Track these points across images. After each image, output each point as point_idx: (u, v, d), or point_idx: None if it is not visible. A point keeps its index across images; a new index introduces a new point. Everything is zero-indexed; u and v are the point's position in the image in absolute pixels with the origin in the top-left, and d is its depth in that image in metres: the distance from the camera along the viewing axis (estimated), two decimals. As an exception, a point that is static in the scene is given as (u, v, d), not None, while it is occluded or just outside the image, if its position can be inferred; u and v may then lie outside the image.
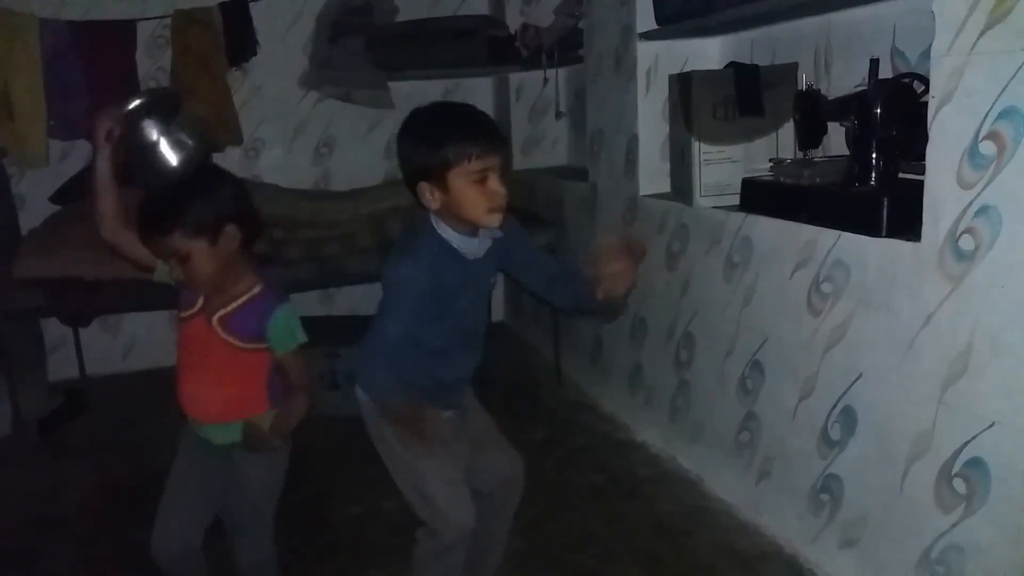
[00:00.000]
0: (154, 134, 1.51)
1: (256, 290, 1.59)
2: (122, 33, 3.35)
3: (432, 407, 1.53)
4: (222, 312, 1.57)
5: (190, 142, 1.53)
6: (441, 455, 1.55)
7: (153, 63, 3.42)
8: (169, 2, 3.38)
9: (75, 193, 3.12)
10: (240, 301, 1.57)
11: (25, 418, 2.90)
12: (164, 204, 1.49)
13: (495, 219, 1.46)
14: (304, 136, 3.71)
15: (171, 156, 1.52)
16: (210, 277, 1.53)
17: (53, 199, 3.20)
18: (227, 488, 1.66)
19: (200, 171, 1.56)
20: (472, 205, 1.43)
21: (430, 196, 1.45)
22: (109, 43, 3.32)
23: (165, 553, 1.59)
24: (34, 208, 3.20)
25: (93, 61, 3.28)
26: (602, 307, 1.56)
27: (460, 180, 1.42)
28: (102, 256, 2.64)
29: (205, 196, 1.51)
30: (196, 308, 1.57)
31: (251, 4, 3.44)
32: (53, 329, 3.32)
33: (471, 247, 1.51)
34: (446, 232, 1.49)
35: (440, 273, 1.48)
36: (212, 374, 1.60)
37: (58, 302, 2.79)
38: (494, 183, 1.43)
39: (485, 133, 1.45)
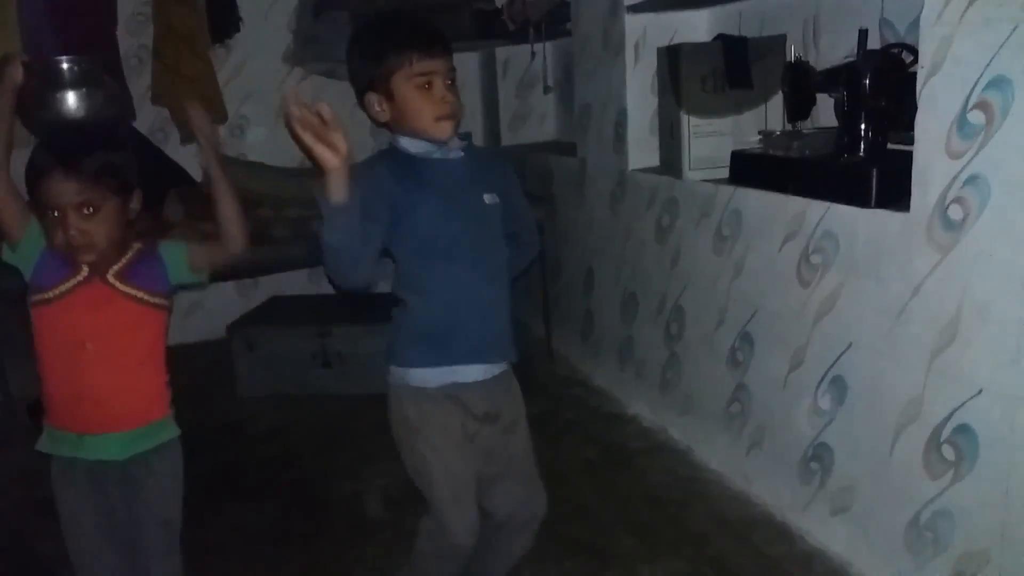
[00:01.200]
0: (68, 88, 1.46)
1: (138, 245, 1.44)
2: (103, 7, 3.29)
3: (458, 359, 1.44)
4: (116, 267, 1.39)
5: (99, 98, 1.49)
6: (452, 457, 1.46)
7: (136, 40, 3.37)
8: (150, -23, 3.32)
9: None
10: (129, 255, 1.41)
11: (15, 400, 2.88)
12: (85, 146, 1.35)
13: (444, 128, 1.39)
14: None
15: (79, 105, 1.46)
16: (110, 238, 1.35)
17: (26, 172, 3.15)
18: (127, 516, 1.44)
19: (124, 129, 1.47)
20: (417, 112, 1.37)
21: (378, 107, 1.40)
22: (89, 18, 3.25)
23: None
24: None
25: (73, 36, 3.20)
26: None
27: (403, 86, 1.37)
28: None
29: (122, 150, 1.41)
30: (80, 276, 1.36)
31: (233, -21, 3.39)
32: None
33: (434, 150, 1.42)
34: (402, 141, 1.43)
35: (407, 183, 1.38)
36: (119, 352, 1.39)
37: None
38: (439, 88, 1.37)
39: (426, 35, 1.38)
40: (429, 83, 1.37)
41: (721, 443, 2.24)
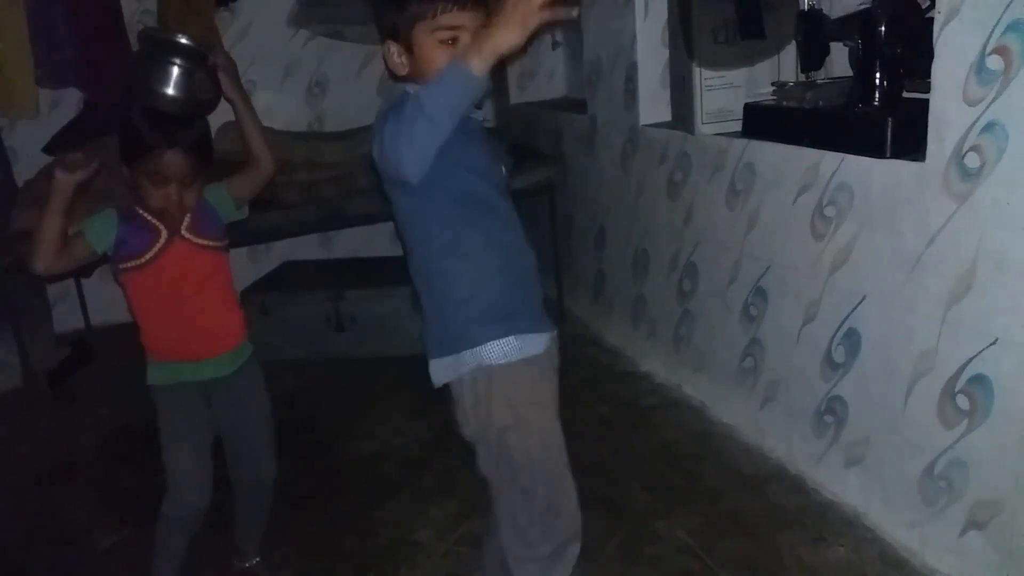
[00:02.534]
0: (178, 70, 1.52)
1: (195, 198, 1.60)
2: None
3: (535, 328, 1.31)
4: (186, 224, 1.57)
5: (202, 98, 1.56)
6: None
7: (139, 5, 3.34)
8: (152, -59, 3.28)
9: (69, 142, 3.09)
10: (191, 209, 1.57)
11: (35, 370, 2.93)
12: (189, 127, 1.52)
13: None
14: (295, 76, 3.64)
15: (183, 102, 1.53)
16: (193, 204, 1.56)
17: (46, 149, 3.16)
18: (233, 418, 1.67)
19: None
20: (438, 71, 1.16)
21: (397, 59, 1.26)
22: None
23: (197, 511, 1.63)
24: (27, 159, 3.16)
25: (78, 7, 3.20)
26: None
27: (425, 39, 1.22)
28: (97, 205, 2.64)
29: (208, 130, 1.60)
30: (163, 239, 1.54)
31: (235, -59, 3.34)
32: (56, 281, 3.32)
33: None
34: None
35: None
36: (215, 292, 1.61)
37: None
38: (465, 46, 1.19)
39: None
40: (454, 39, 1.21)
41: (735, 398, 2.25)
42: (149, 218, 1.55)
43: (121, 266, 1.55)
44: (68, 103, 3.32)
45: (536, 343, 1.31)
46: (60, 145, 3.13)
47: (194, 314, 1.58)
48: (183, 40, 1.54)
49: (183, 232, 1.56)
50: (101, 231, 1.53)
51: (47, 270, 1.50)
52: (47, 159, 3.10)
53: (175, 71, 1.51)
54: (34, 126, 3.21)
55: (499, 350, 1.27)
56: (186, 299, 1.57)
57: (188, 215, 1.56)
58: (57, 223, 1.46)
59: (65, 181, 1.45)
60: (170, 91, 1.51)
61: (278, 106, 3.57)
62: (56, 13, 3.17)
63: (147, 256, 1.54)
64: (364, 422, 2.55)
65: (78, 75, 3.23)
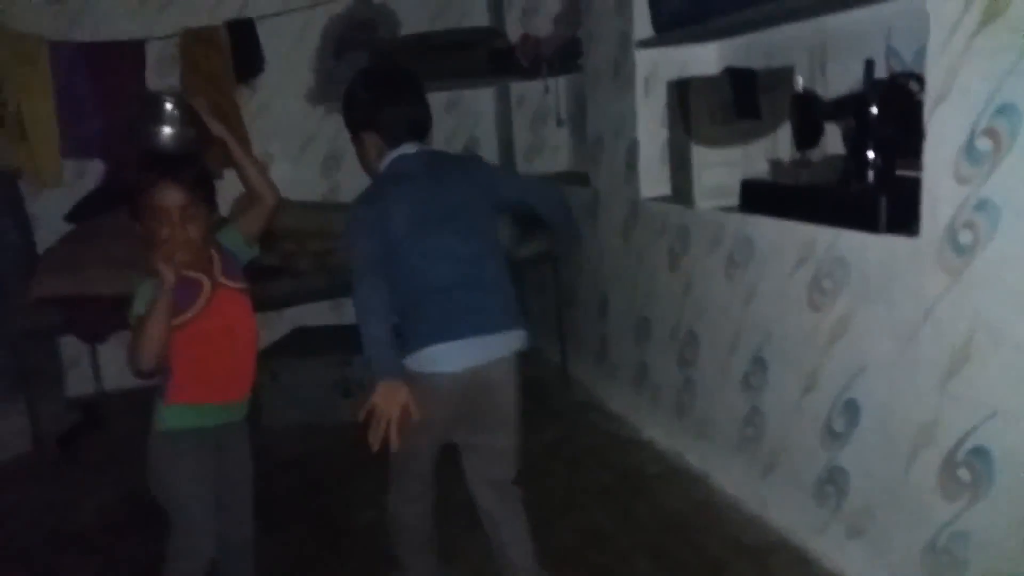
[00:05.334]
0: (167, 121, 1.63)
1: (214, 248, 1.67)
2: (131, 53, 3.42)
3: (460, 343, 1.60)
4: (218, 270, 1.63)
5: (191, 135, 1.66)
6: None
7: (163, 81, 3.47)
8: (177, 21, 3.45)
9: (90, 211, 3.19)
10: (217, 258, 1.65)
11: (44, 434, 2.95)
12: (183, 161, 1.59)
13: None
14: (312, 150, 3.77)
15: (174, 135, 1.64)
16: (201, 243, 1.59)
17: (68, 218, 3.26)
18: (231, 469, 1.71)
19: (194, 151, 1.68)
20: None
21: (374, 151, 1.70)
22: (119, 63, 3.39)
23: (207, 561, 1.65)
24: (49, 227, 3.25)
25: (104, 81, 3.35)
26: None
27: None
28: (118, 273, 2.72)
29: (206, 168, 1.65)
30: (207, 288, 1.61)
31: (257, 22, 3.51)
32: (69, 346, 3.38)
33: (409, 154, 1.68)
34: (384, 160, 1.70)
35: (390, 193, 1.63)
36: (248, 335, 1.68)
37: (75, 320, 2.84)
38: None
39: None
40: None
41: (737, 467, 2.25)
42: (188, 274, 1.58)
43: (174, 323, 1.57)
44: (92, 174, 3.44)
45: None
46: (82, 214, 3.23)
47: (232, 356, 1.66)
48: (164, 94, 1.69)
49: (220, 279, 1.63)
50: (148, 296, 1.57)
51: (153, 368, 1.54)
52: (68, 227, 3.21)
53: (162, 108, 1.62)
54: (57, 195, 3.32)
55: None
56: (230, 343, 1.64)
57: (217, 262, 1.63)
58: (166, 322, 1.51)
59: (170, 278, 1.50)
60: (156, 127, 1.61)
61: (295, 177, 3.69)
62: (83, 88, 3.33)
63: (195, 309, 1.59)
64: (367, 490, 2.54)
65: (102, 147, 3.35)
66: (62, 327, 2.92)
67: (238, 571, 1.78)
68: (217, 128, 1.65)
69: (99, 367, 3.39)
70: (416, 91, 1.74)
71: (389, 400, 1.49)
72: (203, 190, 1.60)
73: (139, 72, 3.43)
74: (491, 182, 1.75)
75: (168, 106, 1.62)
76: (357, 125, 1.73)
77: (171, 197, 1.54)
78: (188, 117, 1.63)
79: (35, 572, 2.25)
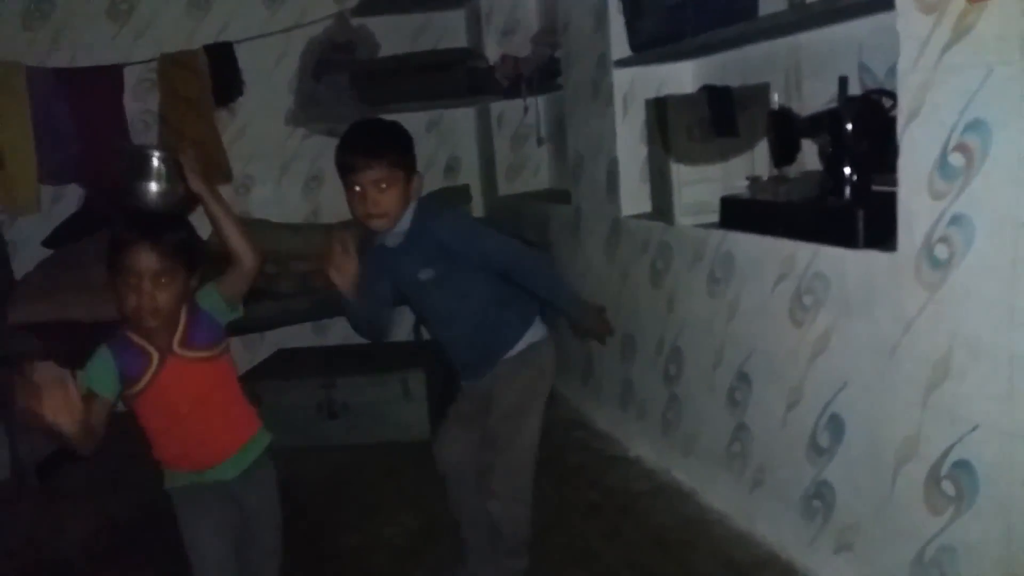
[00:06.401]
0: (152, 177, 1.58)
1: (184, 311, 1.58)
2: (109, 77, 3.41)
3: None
4: (177, 339, 1.56)
5: (179, 192, 1.59)
6: (457, 403, 1.97)
7: (141, 106, 3.47)
8: (155, 46, 3.45)
9: (68, 236, 3.16)
10: (182, 323, 1.57)
11: (24, 462, 2.91)
12: (166, 224, 1.52)
13: (375, 224, 1.75)
14: (293, 171, 3.77)
15: (160, 193, 1.58)
16: (172, 309, 1.53)
17: (46, 243, 3.23)
18: (250, 517, 1.67)
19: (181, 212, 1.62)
20: (353, 211, 1.76)
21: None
22: (97, 88, 3.38)
23: None
24: (26, 253, 3.23)
25: (81, 107, 3.34)
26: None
27: (346, 192, 1.75)
28: (96, 298, 2.70)
29: (192, 232, 1.59)
30: (155, 361, 1.54)
31: (236, 45, 3.51)
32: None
33: (383, 237, 1.81)
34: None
35: (373, 262, 1.81)
36: (209, 405, 1.59)
37: (54, 346, 2.81)
38: (369, 194, 1.71)
39: (362, 152, 1.71)
40: (360, 188, 1.71)
41: (724, 483, 2.25)
42: (138, 340, 1.54)
43: (124, 392, 1.54)
44: (69, 199, 3.42)
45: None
46: (60, 239, 3.21)
47: (192, 428, 1.58)
48: (152, 149, 1.64)
49: (175, 348, 1.55)
50: (103, 377, 1.51)
51: (94, 447, 1.44)
52: (46, 253, 3.18)
53: (149, 164, 1.56)
54: (34, 221, 3.30)
55: None
56: (184, 416, 1.57)
57: (180, 329, 1.55)
58: (76, 429, 1.34)
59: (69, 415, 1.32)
60: (146, 183, 1.56)
61: (276, 200, 3.68)
62: (60, 113, 3.31)
63: (142, 382, 1.53)
64: (354, 512, 2.53)
65: (80, 172, 3.33)
66: (40, 353, 2.88)
67: None
68: (197, 185, 1.56)
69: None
70: None
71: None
72: (183, 256, 1.53)
73: (117, 97, 3.42)
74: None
75: (155, 162, 1.56)
76: (414, 165, 1.79)
77: (145, 261, 1.47)
78: (176, 173, 1.56)
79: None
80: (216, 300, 1.61)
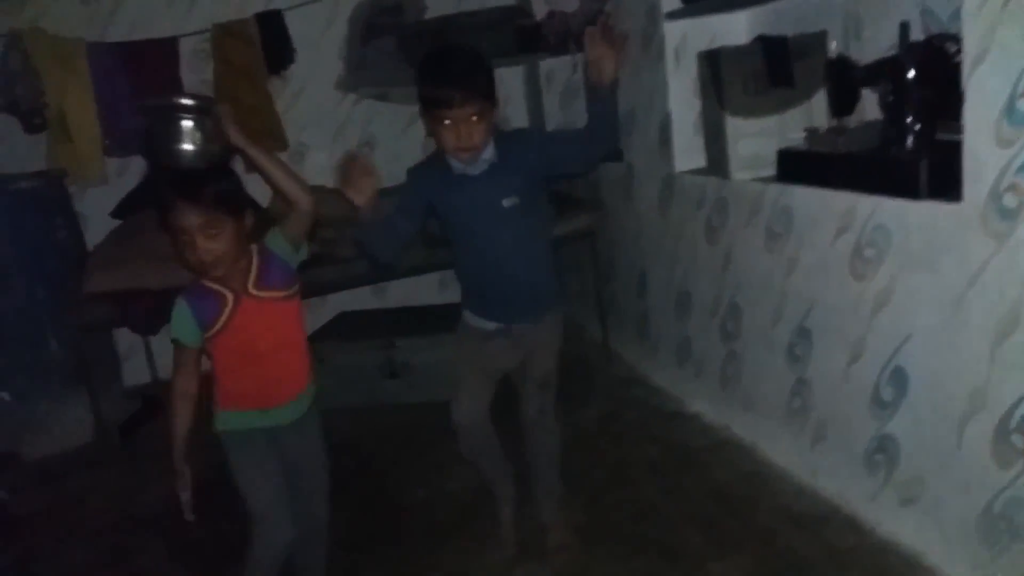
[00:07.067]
0: (186, 134, 1.55)
1: (256, 253, 1.65)
2: (165, 50, 3.47)
3: (480, 314, 1.92)
4: (252, 280, 1.62)
5: (215, 150, 1.58)
6: (470, 350, 1.93)
7: (196, 77, 3.53)
8: (207, 17, 3.49)
9: (135, 206, 3.27)
10: (256, 265, 1.63)
11: (106, 423, 3.07)
12: (201, 179, 1.54)
13: (462, 157, 1.74)
14: (346, 137, 3.80)
15: (195, 153, 1.56)
16: (232, 254, 1.57)
17: (114, 214, 3.35)
18: (292, 462, 1.74)
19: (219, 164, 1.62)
20: (441, 143, 1.74)
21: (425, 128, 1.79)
22: (153, 60, 3.45)
23: (285, 546, 1.70)
24: (97, 224, 3.35)
25: (140, 79, 3.41)
26: (600, 105, 1.78)
27: (431, 123, 1.73)
28: (164, 265, 2.80)
29: (232, 179, 1.62)
30: (230, 303, 1.61)
31: (286, 13, 3.54)
32: (124, 338, 3.49)
33: (462, 167, 1.77)
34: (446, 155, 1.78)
35: (438, 192, 1.80)
36: (287, 344, 1.68)
37: (128, 313, 2.93)
38: (460, 127, 1.69)
39: (447, 86, 1.68)
40: (451, 122, 1.69)
41: (785, 438, 2.26)
42: (213, 286, 1.61)
43: (204, 334, 1.63)
44: (133, 171, 3.52)
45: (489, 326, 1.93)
46: (127, 210, 3.32)
47: (269, 366, 1.66)
48: (182, 99, 1.57)
49: (250, 290, 1.62)
50: (186, 329, 1.62)
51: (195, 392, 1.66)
52: (115, 223, 3.30)
53: (180, 126, 1.53)
54: (103, 192, 3.41)
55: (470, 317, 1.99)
56: (262, 354, 1.65)
57: (253, 271, 1.62)
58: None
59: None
60: (180, 145, 1.53)
61: (331, 165, 3.71)
62: (120, 86, 3.39)
63: (220, 323, 1.61)
64: (418, 468, 2.61)
65: (142, 144, 3.43)
66: (116, 320, 3.02)
67: (311, 555, 1.84)
68: (236, 138, 1.57)
69: (153, 357, 3.50)
70: None
71: None
72: (227, 204, 1.56)
73: (173, 68, 3.48)
74: None
75: (186, 123, 1.53)
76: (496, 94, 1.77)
77: (189, 218, 1.52)
78: (212, 130, 1.54)
79: (107, 553, 2.36)
80: (282, 242, 1.67)
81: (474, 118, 1.69)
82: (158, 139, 1.56)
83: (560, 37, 3.25)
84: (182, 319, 1.62)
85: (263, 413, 1.68)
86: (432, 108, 1.70)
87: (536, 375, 1.97)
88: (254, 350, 1.64)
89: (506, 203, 1.78)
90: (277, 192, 1.64)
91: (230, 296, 1.62)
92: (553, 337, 1.97)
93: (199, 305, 1.62)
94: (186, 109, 1.55)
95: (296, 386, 1.72)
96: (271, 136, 3.52)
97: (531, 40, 3.35)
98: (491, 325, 1.91)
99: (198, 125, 1.54)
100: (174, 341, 1.64)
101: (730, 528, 2.04)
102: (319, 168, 3.74)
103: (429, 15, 3.59)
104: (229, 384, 1.68)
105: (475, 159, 1.75)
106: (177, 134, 1.54)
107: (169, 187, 1.54)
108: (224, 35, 3.47)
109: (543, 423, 2.03)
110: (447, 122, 1.69)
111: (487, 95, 1.72)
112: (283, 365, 1.69)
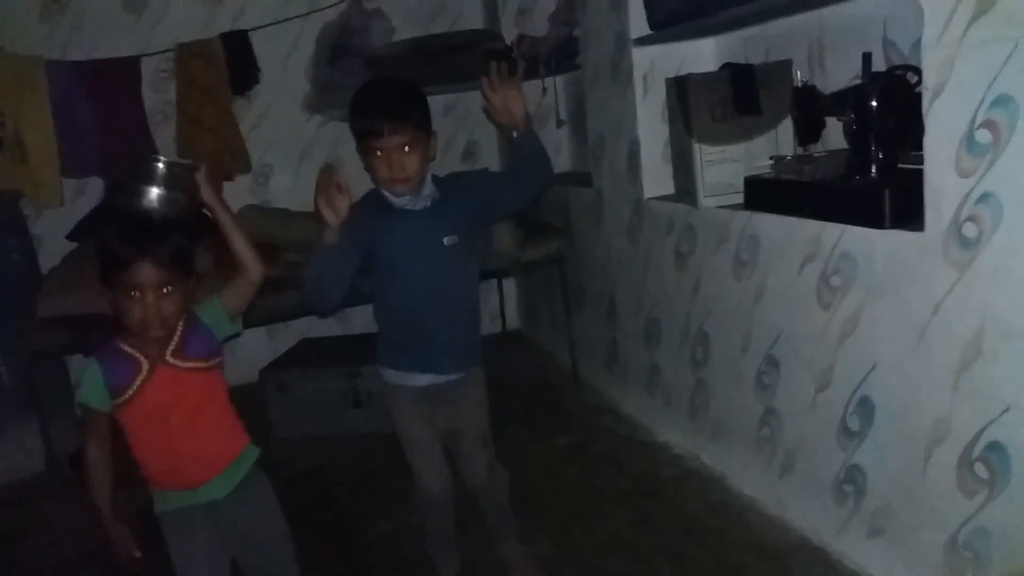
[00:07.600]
0: (152, 191, 1.52)
1: (182, 320, 1.56)
2: (127, 69, 3.41)
3: (410, 367, 1.81)
4: (172, 348, 1.53)
5: (181, 196, 1.54)
6: (412, 414, 1.84)
7: (159, 96, 3.48)
8: (171, 36, 3.45)
9: (92, 229, 3.19)
10: (179, 332, 1.54)
11: (57, 453, 2.96)
12: (161, 233, 1.48)
13: (398, 189, 1.71)
14: (312, 159, 3.76)
15: (161, 207, 1.53)
16: (177, 316, 1.51)
17: (70, 236, 3.26)
18: (243, 537, 1.63)
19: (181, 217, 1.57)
20: (374, 174, 1.72)
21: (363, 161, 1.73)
22: (115, 80, 3.39)
23: None
24: (52, 247, 3.26)
25: (100, 99, 3.35)
26: (525, 145, 1.82)
27: (364, 155, 1.72)
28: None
29: (190, 238, 1.57)
30: (144, 370, 1.51)
31: (251, 33, 3.50)
32: (77, 364, 3.38)
33: (404, 201, 1.74)
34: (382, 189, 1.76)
35: (377, 229, 1.72)
36: (202, 418, 1.56)
37: (82, 338, 2.84)
38: (393, 158, 1.67)
39: (382, 116, 1.67)
40: (383, 153, 1.67)
41: (754, 468, 2.24)
42: (128, 350, 1.51)
43: (112, 402, 1.51)
44: (91, 193, 3.44)
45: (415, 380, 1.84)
46: (84, 232, 3.23)
47: (180, 442, 1.54)
48: (160, 163, 1.53)
49: (168, 358, 1.52)
50: (95, 394, 1.50)
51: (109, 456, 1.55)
52: (71, 246, 3.21)
53: (151, 166, 1.50)
54: (59, 214, 3.32)
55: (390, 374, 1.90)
56: (172, 428, 1.53)
57: (176, 338, 1.53)
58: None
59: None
60: (147, 185, 1.49)
61: (295, 188, 3.67)
62: (80, 106, 3.32)
63: (130, 391, 1.50)
64: (381, 499, 2.55)
65: (101, 165, 3.35)
66: (69, 346, 2.93)
67: None
68: (208, 195, 1.54)
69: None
70: None
71: None
72: (184, 263, 1.52)
73: (135, 88, 3.43)
74: None
75: (161, 167, 1.50)
76: (431, 124, 1.76)
77: (147, 275, 1.44)
78: (183, 181, 1.52)
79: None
80: (219, 313, 1.59)
81: (406, 148, 1.67)
82: (126, 181, 1.52)
83: (530, 61, 3.25)
84: (92, 382, 1.50)
85: (191, 492, 1.57)
86: (363, 139, 1.70)
87: (474, 434, 1.91)
88: (166, 424, 1.52)
89: (447, 241, 1.75)
90: (233, 254, 1.59)
91: (145, 363, 1.51)
92: (481, 392, 1.92)
93: (111, 369, 1.51)
94: (158, 162, 1.52)
95: (219, 458, 1.59)
96: (234, 157, 3.47)
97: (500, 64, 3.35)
98: (419, 379, 1.82)
99: (169, 170, 1.52)
100: (81, 405, 1.52)
101: (700, 561, 2.01)
102: (284, 190, 3.70)
103: (397, 37, 3.58)
104: (146, 461, 1.57)
105: (410, 190, 1.72)
106: (146, 175, 1.50)
107: (127, 240, 1.45)
108: (188, 55, 3.42)
109: (493, 478, 1.96)
110: (379, 153, 1.67)
111: (420, 125, 1.69)
112: (197, 440, 1.55)
